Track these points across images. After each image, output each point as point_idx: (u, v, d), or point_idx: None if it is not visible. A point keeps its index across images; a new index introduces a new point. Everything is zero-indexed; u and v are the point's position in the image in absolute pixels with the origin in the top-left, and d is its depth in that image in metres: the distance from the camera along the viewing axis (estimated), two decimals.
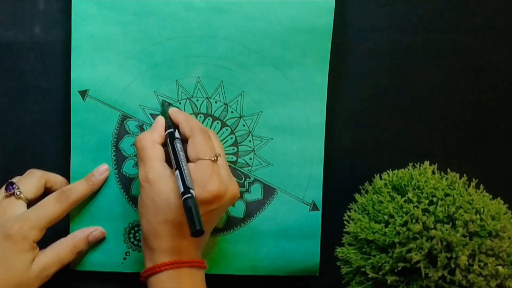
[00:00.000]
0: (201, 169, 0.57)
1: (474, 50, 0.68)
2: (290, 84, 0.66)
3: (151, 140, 0.60)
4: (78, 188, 0.64)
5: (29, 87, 0.65)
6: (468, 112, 0.69)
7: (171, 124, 0.62)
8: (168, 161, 0.60)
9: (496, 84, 0.69)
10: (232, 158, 0.66)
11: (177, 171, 0.57)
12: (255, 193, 0.67)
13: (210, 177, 0.57)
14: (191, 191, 0.55)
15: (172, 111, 0.63)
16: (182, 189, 0.55)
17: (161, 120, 0.63)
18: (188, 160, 0.59)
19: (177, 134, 0.61)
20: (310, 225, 0.67)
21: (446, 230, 0.56)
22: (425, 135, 0.69)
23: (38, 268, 0.61)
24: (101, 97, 0.64)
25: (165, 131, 0.62)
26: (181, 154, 0.58)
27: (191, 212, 0.53)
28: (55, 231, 0.63)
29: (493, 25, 0.68)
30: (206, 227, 0.56)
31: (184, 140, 0.61)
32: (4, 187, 0.63)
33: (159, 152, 0.60)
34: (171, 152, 0.59)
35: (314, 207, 0.67)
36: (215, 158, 0.59)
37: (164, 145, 0.61)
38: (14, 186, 0.62)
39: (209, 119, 0.66)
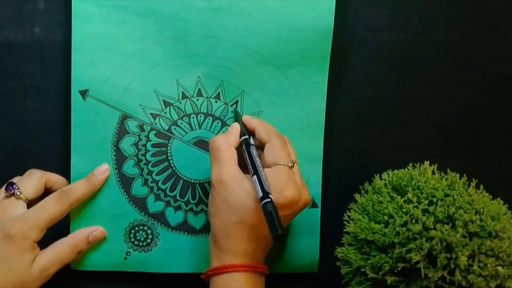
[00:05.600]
0: (278, 174, 0.58)
1: (475, 50, 0.68)
2: (290, 84, 0.66)
3: (227, 142, 0.61)
4: (79, 188, 0.64)
5: (29, 87, 0.65)
6: (468, 112, 0.69)
7: (245, 131, 0.63)
8: (240, 166, 0.60)
9: (496, 84, 0.69)
10: None
11: (255, 176, 0.58)
12: None
13: (287, 183, 0.58)
14: (270, 196, 0.55)
15: (246, 118, 0.64)
16: (261, 194, 0.56)
17: (236, 125, 0.63)
18: (263, 165, 0.60)
19: (251, 141, 0.62)
20: (310, 222, 0.68)
21: (446, 230, 0.56)
22: (425, 135, 0.69)
23: (39, 268, 0.61)
24: (102, 97, 0.64)
25: (240, 137, 0.62)
26: (257, 160, 0.59)
27: (272, 217, 0.54)
28: (56, 231, 0.63)
29: (493, 25, 0.68)
30: None
31: (258, 147, 0.62)
32: (4, 187, 0.63)
33: (234, 154, 0.61)
34: (247, 157, 0.60)
35: (314, 204, 0.68)
36: (292, 165, 0.60)
37: (237, 150, 0.61)
38: (14, 186, 0.62)
39: (209, 119, 0.66)
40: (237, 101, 0.66)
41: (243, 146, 0.61)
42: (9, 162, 0.66)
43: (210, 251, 0.61)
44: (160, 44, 0.64)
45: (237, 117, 0.65)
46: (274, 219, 0.54)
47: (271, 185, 0.57)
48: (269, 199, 0.55)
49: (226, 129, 0.66)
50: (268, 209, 0.54)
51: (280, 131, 0.65)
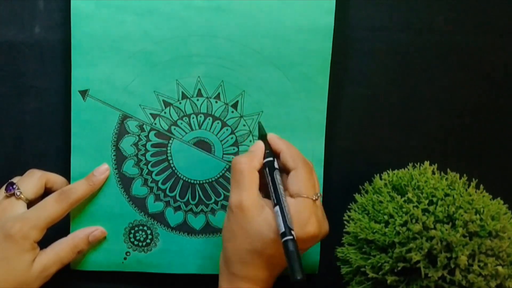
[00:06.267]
0: (301, 207, 0.56)
1: (474, 50, 0.68)
2: (291, 84, 0.66)
3: (250, 166, 0.58)
4: (79, 188, 0.64)
5: (29, 87, 0.65)
6: (468, 112, 0.69)
7: (269, 152, 0.60)
8: (260, 188, 0.59)
9: (496, 84, 0.69)
10: (232, 158, 0.66)
11: (277, 207, 0.56)
12: None
13: (309, 218, 0.56)
14: (292, 232, 0.54)
15: (272, 138, 0.62)
16: (282, 229, 0.54)
17: (260, 145, 0.61)
18: (287, 193, 0.58)
19: (275, 164, 0.60)
20: None
21: (446, 230, 0.56)
22: (425, 135, 0.69)
23: (39, 268, 0.61)
24: (102, 96, 0.64)
25: (264, 158, 0.60)
26: (281, 188, 0.57)
27: (294, 258, 0.52)
28: (56, 231, 0.63)
29: (493, 25, 0.68)
30: None
31: (283, 170, 0.60)
32: (4, 187, 0.63)
33: (256, 179, 0.58)
34: (270, 184, 0.58)
35: None
36: (316, 198, 0.58)
37: (259, 171, 0.59)
38: (14, 186, 0.62)
39: (209, 119, 0.66)
40: (237, 101, 0.66)
41: (267, 169, 0.59)
42: (9, 162, 0.66)
43: (220, 271, 0.60)
44: (160, 44, 0.64)
45: (260, 133, 0.64)
46: (295, 261, 0.52)
47: (293, 218, 0.55)
48: (291, 237, 0.53)
49: (226, 129, 0.66)
50: (290, 248, 0.53)
51: (281, 131, 0.65)
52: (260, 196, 0.58)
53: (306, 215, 0.56)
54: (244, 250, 0.57)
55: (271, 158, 0.60)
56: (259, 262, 0.57)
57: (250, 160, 0.59)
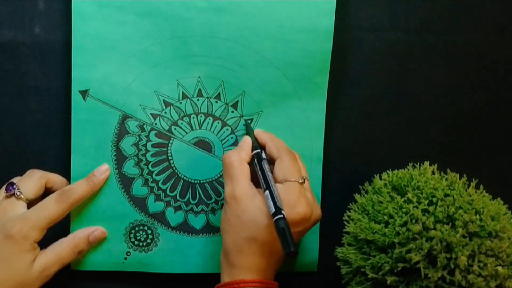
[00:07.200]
0: (289, 190, 0.58)
1: (473, 49, 0.68)
2: (291, 84, 0.66)
3: (239, 158, 0.61)
4: (79, 188, 0.64)
5: (29, 87, 0.65)
6: (468, 112, 0.69)
7: (257, 145, 0.63)
8: (252, 180, 0.60)
9: (496, 83, 0.69)
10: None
11: (267, 192, 0.58)
12: None
13: (298, 199, 0.58)
14: (282, 211, 0.55)
15: (257, 132, 0.65)
16: (273, 210, 0.56)
17: (248, 140, 0.63)
18: (275, 181, 0.60)
19: (263, 155, 0.62)
20: None
21: (446, 230, 0.56)
22: (425, 135, 0.69)
23: (39, 268, 0.61)
24: (102, 97, 0.64)
25: (252, 151, 0.62)
26: (270, 175, 0.59)
27: (285, 233, 0.54)
28: (56, 231, 0.63)
29: (493, 25, 0.68)
30: None
31: (270, 161, 0.62)
32: (4, 187, 0.63)
33: (247, 170, 0.61)
34: (259, 172, 0.60)
35: None
36: (303, 181, 0.60)
37: (249, 164, 0.62)
38: (14, 186, 0.62)
39: (209, 119, 0.66)
40: (237, 101, 0.66)
41: (255, 160, 0.61)
42: (9, 162, 0.66)
43: (221, 266, 0.61)
44: (161, 44, 0.64)
45: (248, 130, 0.65)
46: (286, 236, 0.54)
47: (282, 201, 0.57)
48: (282, 215, 0.55)
49: (227, 129, 0.66)
50: (280, 225, 0.54)
51: (280, 131, 0.65)
52: (252, 186, 0.60)
53: (295, 197, 0.58)
54: (240, 239, 0.58)
55: (258, 150, 0.62)
56: (255, 249, 0.58)
57: (238, 153, 0.61)
